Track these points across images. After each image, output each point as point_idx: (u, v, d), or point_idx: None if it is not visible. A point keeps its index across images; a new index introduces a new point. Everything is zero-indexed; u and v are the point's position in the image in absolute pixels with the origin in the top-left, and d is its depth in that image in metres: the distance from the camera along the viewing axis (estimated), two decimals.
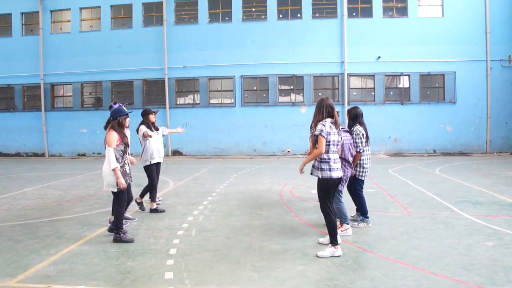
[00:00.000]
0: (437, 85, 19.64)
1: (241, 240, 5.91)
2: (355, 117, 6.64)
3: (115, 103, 6.81)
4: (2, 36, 22.41)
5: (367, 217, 6.79)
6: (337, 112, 5.64)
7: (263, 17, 20.30)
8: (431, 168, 13.98)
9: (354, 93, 19.88)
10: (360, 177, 6.63)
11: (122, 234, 5.88)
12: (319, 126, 5.19)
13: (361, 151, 6.39)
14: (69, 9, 21.58)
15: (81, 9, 21.47)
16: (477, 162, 15.75)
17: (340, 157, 5.79)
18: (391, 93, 20.00)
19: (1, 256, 5.33)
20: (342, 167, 5.77)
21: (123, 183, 5.79)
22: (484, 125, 19.24)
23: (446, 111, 19.29)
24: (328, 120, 5.25)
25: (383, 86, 19.57)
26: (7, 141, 22.19)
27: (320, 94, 20.04)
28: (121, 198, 5.96)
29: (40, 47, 21.43)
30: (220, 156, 19.96)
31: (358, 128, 6.46)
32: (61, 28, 22.08)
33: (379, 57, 19.27)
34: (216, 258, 5.14)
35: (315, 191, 9.75)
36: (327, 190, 5.27)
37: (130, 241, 5.83)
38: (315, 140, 5.26)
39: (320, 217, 7.27)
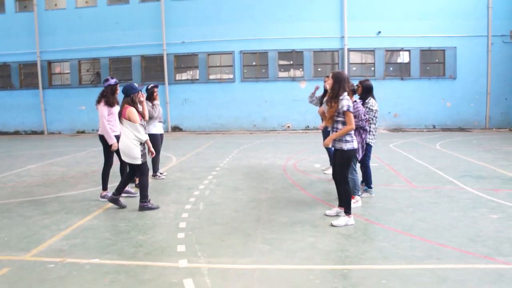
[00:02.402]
0: (437, 60, 19.57)
1: (249, 213, 5.97)
2: (368, 90, 6.65)
3: (112, 78, 6.83)
4: None
5: (371, 188, 6.88)
6: (355, 86, 5.83)
7: None
8: (432, 143, 14.04)
9: (354, 68, 19.80)
10: (371, 143, 6.64)
11: (147, 203, 6.17)
12: (345, 102, 5.22)
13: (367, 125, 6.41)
14: None
15: None
16: (477, 137, 15.82)
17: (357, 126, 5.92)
18: (391, 68, 19.93)
19: (13, 231, 5.37)
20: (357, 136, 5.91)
21: (153, 151, 6.34)
22: (484, 101, 19.25)
23: (446, 86, 19.26)
24: (345, 93, 5.30)
25: (383, 61, 19.47)
26: (6, 119, 22.04)
27: (319, 69, 19.96)
28: (144, 169, 6.19)
29: (36, 23, 21.10)
30: (220, 132, 19.96)
31: (372, 102, 6.52)
32: (55, 4, 21.69)
33: (379, 32, 19.12)
34: (226, 231, 5.20)
35: (318, 165, 9.92)
36: (349, 161, 5.43)
37: (156, 207, 6.20)
38: (341, 115, 5.28)
39: (325, 190, 7.38)
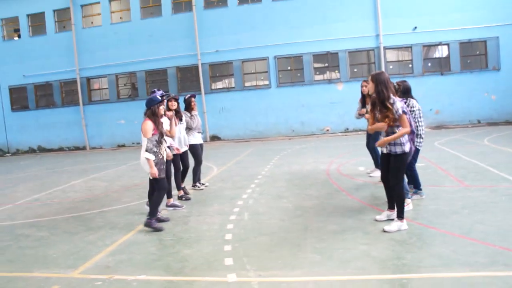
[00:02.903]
0: (478, 52, 18.81)
1: (296, 222, 5.79)
2: (406, 91, 6.40)
3: (158, 90, 6.82)
4: (38, 35, 22.88)
5: (421, 189, 6.57)
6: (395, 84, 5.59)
7: None
8: (479, 139, 13.44)
9: (391, 67, 19.31)
10: (418, 147, 6.36)
11: (154, 221, 5.87)
12: (398, 105, 5.01)
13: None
14: (98, 2, 21.73)
15: (110, 1, 21.58)
16: None
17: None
18: (430, 64, 19.31)
19: (60, 248, 5.40)
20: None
21: (154, 172, 5.79)
22: None
23: (489, 79, 18.47)
24: (391, 94, 5.08)
25: (421, 57, 18.90)
26: (50, 137, 22.80)
27: (355, 70, 19.59)
28: (160, 185, 5.96)
29: (74, 42, 21.73)
30: (259, 139, 19.85)
31: (412, 103, 6.24)
32: (92, 22, 22.32)
33: (416, 27, 18.56)
34: (273, 241, 5.03)
35: (362, 168, 9.62)
36: (405, 163, 5.25)
37: (160, 229, 5.80)
38: (395, 118, 5.03)
39: (373, 194, 7.10)
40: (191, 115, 8.33)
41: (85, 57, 21.74)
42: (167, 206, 7.04)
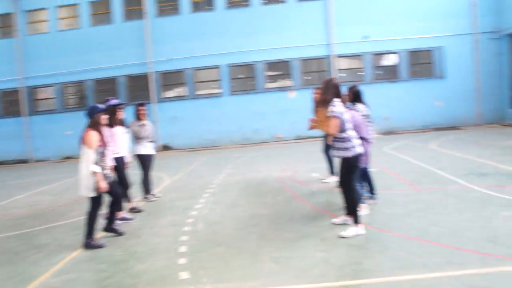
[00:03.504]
0: (425, 61, 19.49)
1: (251, 231, 5.65)
2: (355, 96, 6.47)
3: (113, 98, 6.57)
4: None
5: (375, 194, 6.63)
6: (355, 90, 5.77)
7: (246, 3, 19.88)
8: (427, 143, 13.85)
9: (343, 75, 19.65)
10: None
11: (91, 240, 5.49)
12: (334, 108, 5.08)
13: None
14: (45, 9, 20.85)
15: (57, 7, 20.77)
16: (470, 134, 15.67)
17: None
18: (380, 72, 19.81)
19: (1, 270, 4.99)
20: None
21: (104, 186, 5.42)
22: (474, 98, 19.15)
23: (435, 86, 19.15)
24: (336, 100, 5.14)
25: (372, 65, 19.36)
26: None
27: (308, 78, 19.79)
28: (98, 202, 5.57)
29: (17, 49, 20.71)
30: (212, 147, 19.62)
31: (359, 107, 6.31)
32: (37, 29, 21.34)
33: (366, 36, 19.02)
34: (230, 252, 4.88)
35: (316, 174, 9.62)
36: (353, 168, 5.26)
37: (100, 246, 5.46)
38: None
39: (328, 200, 7.09)
40: (140, 125, 8.05)
41: (30, 65, 20.72)
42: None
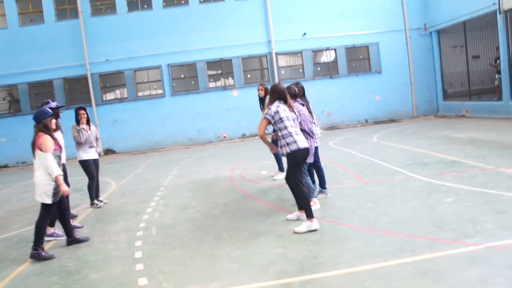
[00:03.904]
0: (362, 57, 20.14)
1: (207, 231, 5.61)
2: (303, 92, 6.56)
3: (47, 103, 6.27)
4: None
5: (325, 188, 6.77)
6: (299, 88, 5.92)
7: (184, 2, 19.62)
8: (369, 136, 14.33)
9: (283, 72, 19.89)
10: (315, 144, 6.50)
11: (40, 251, 5.23)
12: (267, 110, 5.45)
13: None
14: None
15: None
16: (408, 126, 16.39)
17: (301, 129, 5.75)
18: (319, 68, 20.24)
19: None
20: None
21: (66, 190, 5.32)
22: (409, 92, 20.02)
23: (373, 81, 19.82)
24: (276, 101, 5.43)
25: (311, 62, 19.73)
26: None
27: (249, 76, 19.87)
28: (49, 211, 5.37)
29: None
30: (156, 150, 19.21)
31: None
32: None
33: (305, 33, 19.33)
34: (187, 254, 4.80)
35: (265, 172, 9.70)
36: (298, 163, 5.38)
37: (51, 257, 5.23)
38: (276, 123, 5.42)
39: (279, 197, 7.17)
40: (79, 129, 7.74)
41: None
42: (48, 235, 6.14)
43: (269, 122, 5.37)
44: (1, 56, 18.95)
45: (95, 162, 8.07)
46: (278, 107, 5.35)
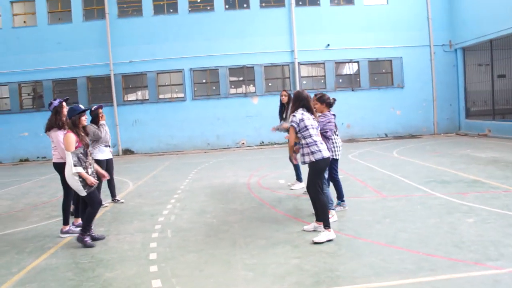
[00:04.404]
0: (384, 70, 20.03)
1: (222, 237, 5.58)
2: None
3: (55, 99, 6.31)
4: None
5: (343, 201, 6.71)
6: (331, 99, 5.93)
7: (209, 8, 19.80)
8: (388, 151, 14.19)
9: (305, 82, 19.89)
10: (335, 156, 6.46)
11: (86, 237, 5.47)
12: (291, 118, 5.41)
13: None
14: None
15: (12, 2, 19.91)
16: (428, 143, 16.20)
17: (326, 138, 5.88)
18: (341, 80, 20.18)
19: None
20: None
21: (93, 180, 5.44)
22: (431, 108, 19.84)
23: (395, 95, 19.71)
24: (300, 109, 5.43)
25: (334, 73, 19.69)
26: None
27: (270, 84, 19.89)
28: (93, 199, 5.54)
29: None
30: (174, 152, 19.34)
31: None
32: None
33: (328, 44, 19.33)
34: (202, 259, 4.78)
35: (283, 181, 9.65)
36: (320, 172, 5.36)
37: (91, 246, 5.45)
38: (301, 131, 5.39)
39: (297, 207, 7.12)
40: (99, 126, 7.79)
41: None
42: (74, 225, 6.38)
43: (295, 130, 5.35)
44: (28, 52, 19.42)
45: (109, 162, 8.13)
46: (303, 114, 5.36)
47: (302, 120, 5.31)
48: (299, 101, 5.47)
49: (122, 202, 8.32)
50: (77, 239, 5.54)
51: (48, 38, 19.47)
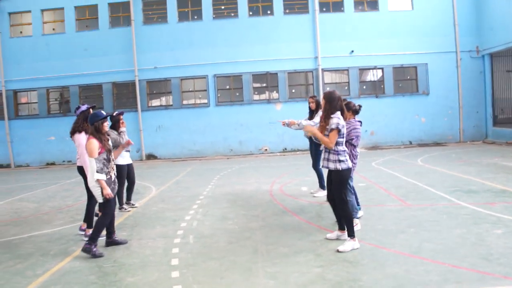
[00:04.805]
0: (409, 77, 19.78)
1: (244, 244, 5.56)
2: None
3: (83, 104, 6.39)
4: None
5: (358, 205, 6.60)
6: (357, 106, 5.87)
7: (233, 14, 19.94)
8: (412, 159, 13.97)
9: (328, 88, 19.75)
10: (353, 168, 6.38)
11: (93, 246, 5.35)
12: (335, 120, 5.13)
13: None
14: (29, 11, 20.50)
15: (42, 11, 20.48)
16: (454, 151, 15.89)
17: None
18: (365, 86, 20.01)
19: None
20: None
21: (109, 193, 5.37)
22: (457, 115, 19.48)
23: (419, 102, 19.43)
24: (338, 112, 5.21)
25: (358, 80, 19.54)
26: None
27: (293, 90, 19.85)
28: (107, 210, 5.51)
29: None
30: (196, 158, 19.47)
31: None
32: (21, 32, 20.97)
33: (352, 51, 19.21)
34: (223, 266, 4.77)
35: (305, 188, 9.58)
36: (345, 181, 5.30)
37: (100, 255, 5.33)
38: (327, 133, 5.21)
39: (319, 215, 7.05)
40: (119, 132, 7.88)
41: (12, 69, 20.29)
42: (82, 229, 6.52)
43: (339, 134, 5.13)
44: (56, 59, 19.91)
45: (130, 167, 8.26)
46: (339, 119, 5.15)
47: (343, 126, 5.16)
48: (335, 101, 5.22)
49: (136, 207, 8.44)
50: (83, 249, 5.39)
51: (75, 45, 19.92)
